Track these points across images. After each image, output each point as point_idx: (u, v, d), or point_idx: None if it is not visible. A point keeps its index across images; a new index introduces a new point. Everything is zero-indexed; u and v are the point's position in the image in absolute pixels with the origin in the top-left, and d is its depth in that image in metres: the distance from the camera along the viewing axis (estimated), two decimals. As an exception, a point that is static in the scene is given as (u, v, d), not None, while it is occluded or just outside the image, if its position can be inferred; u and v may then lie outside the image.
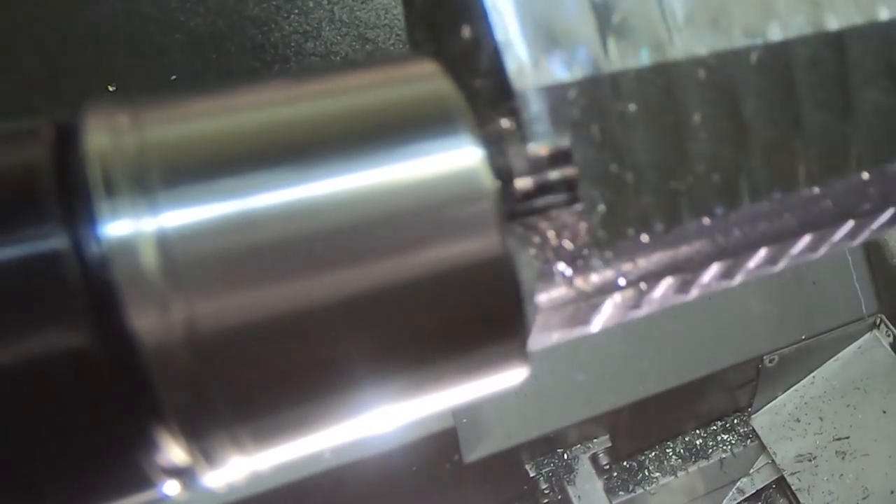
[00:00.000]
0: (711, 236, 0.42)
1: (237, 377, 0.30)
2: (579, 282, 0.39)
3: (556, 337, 0.43)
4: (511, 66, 0.36)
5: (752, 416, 2.35)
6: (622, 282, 0.41)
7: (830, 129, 0.43)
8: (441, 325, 0.33)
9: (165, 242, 0.29)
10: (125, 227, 0.29)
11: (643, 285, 0.42)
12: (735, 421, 2.36)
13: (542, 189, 0.37)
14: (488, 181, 0.33)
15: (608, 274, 0.40)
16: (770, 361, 2.18)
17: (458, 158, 0.33)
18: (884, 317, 2.28)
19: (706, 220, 0.40)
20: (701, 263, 0.43)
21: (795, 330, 2.18)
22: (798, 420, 2.29)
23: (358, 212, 0.32)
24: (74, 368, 0.28)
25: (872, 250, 2.21)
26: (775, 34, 0.41)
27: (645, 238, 0.39)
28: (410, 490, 1.95)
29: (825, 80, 0.42)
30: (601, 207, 0.38)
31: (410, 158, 0.33)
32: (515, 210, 0.37)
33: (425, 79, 0.35)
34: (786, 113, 0.42)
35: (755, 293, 2.11)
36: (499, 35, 0.36)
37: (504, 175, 0.36)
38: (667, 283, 0.43)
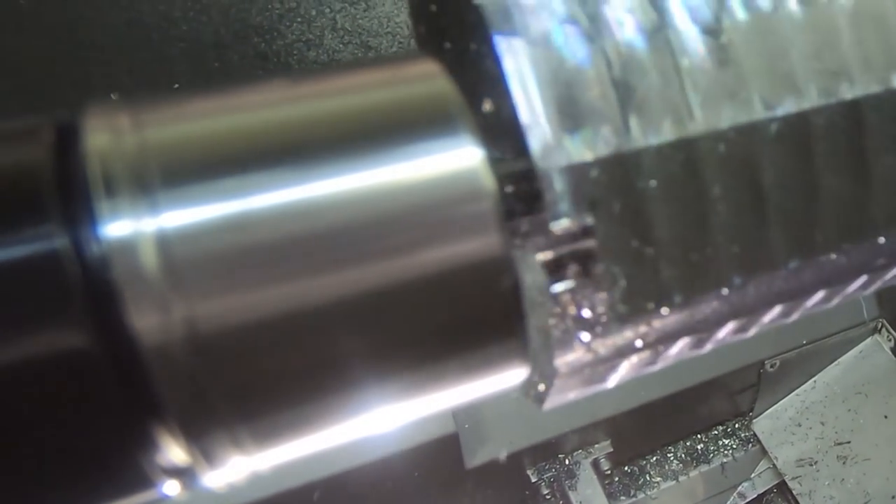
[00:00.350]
0: (728, 300, 0.42)
1: (237, 377, 0.30)
2: (598, 346, 0.39)
3: (572, 396, 0.44)
4: (535, 147, 0.36)
5: (754, 421, 2.35)
6: (639, 343, 0.41)
7: (847, 196, 0.43)
8: (441, 324, 0.33)
9: (165, 242, 0.29)
10: (125, 227, 0.29)
11: (660, 346, 0.42)
12: (736, 425, 2.36)
13: (561, 262, 0.37)
14: (488, 181, 0.33)
15: (626, 337, 0.40)
16: (771, 366, 2.18)
17: (458, 158, 0.33)
18: (885, 321, 2.28)
19: (724, 291, 0.41)
20: (717, 323, 0.43)
21: (796, 335, 2.18)
22: (799, 424, 2.29)
23: (357, 212, 0.32)
24: (74, 368, 0.28)
25: (873, 255, 2.21)
26: (793, 105, 0.41)
27: (665, 311, 0.39)
28: (412, 495, 1.95)
29: (842, 148, 0.43)
30: (622, 283, 0.38)
31: (411, 158, 0.33)
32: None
33: (425, 79, 0.35)
34: (804, 182, 0.42)
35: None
36: (523, 116, 0.36)
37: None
38: (683, 342, 0.43)
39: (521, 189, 0.37)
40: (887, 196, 0.44)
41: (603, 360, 0.40)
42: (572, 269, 0.38)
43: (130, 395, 0.29)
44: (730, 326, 0.45)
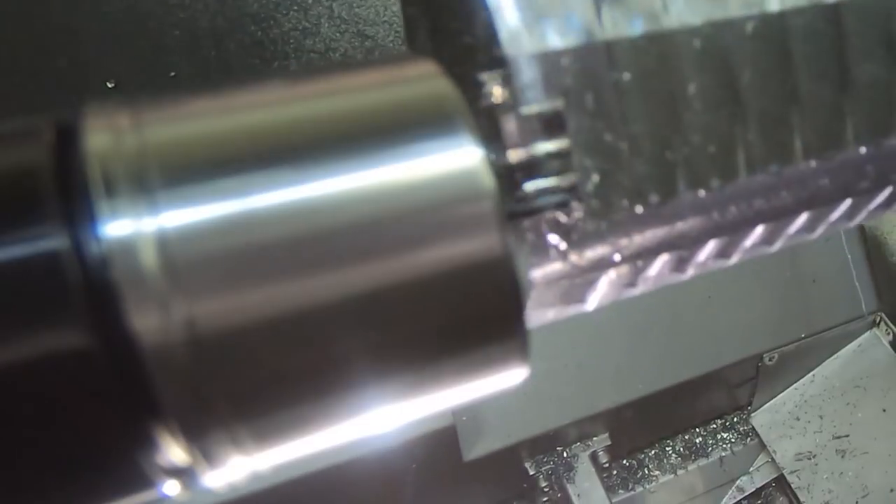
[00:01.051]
0: (707, 212, 0.41)
1: (237, 377, 0.30)
2: (574, 256, 0.39)
3: (551, 314, 0.43)
4: (503, 33, 0.36)
5: (752, 415, 2.35)
6: (617, 257, 0.40)
7: (827, 101, 0.42)
8: (441, 324, 0.33)
9: (165, 242, 0.29)
10: (125, 227, 0.29)
11: (639, 262, 0.42)
12: (735, 419, 2.36)
13: (536, 164, 0.37)
14: (488, 181, 0.33)
15: (603, 248, 0.39)
16: (770, 359, 2.18)
17: (458, 158, 0.33)
18: (883, 315, 2.28)
19: (702, 193, 0.40)
20: (697, 240, 0.43)
21: (795, 328, 2.18)
22: (798, 418, 2.29)
23: (357, 212, 0.32)
24: (74, 368, 0.28)
25: (872, 248, 2.21)
26: (771, 5, 0.41)
27: (639, 209, 0.39)
28: (410, 488, 1.95)
29: (822, 51, 0.42)
30: (595, 177, 0.37)
31: (410, 158, 0.33)
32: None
33: (425, 79, 0.35)
34: (782, 85, 0.41)
35: (755, 291, 2.11)
36: (491, 0, 0.36)
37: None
38: (662, 259, 0.43)
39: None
40: (869, 104, 0.43)
41: (580, 271, 0.40)
42: (546, 165, 0.37)
43: (130, 396, 0.29)
44: (710, 246, 0.44)
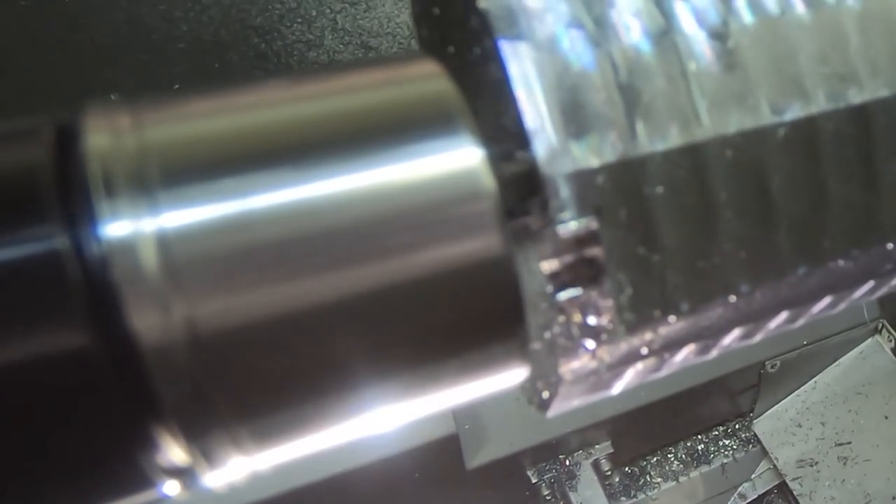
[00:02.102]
0: (734, 307, 0.42)
1: (237, 377, 0.30)
2: (603, 354, 0.39)
3: (576, 403, 0.44)
4: (540, 153, 0.36)
5: (754, 422, 2.35)
6: (645, 351, 0.41)
7: (856, 201, 0.43)
8: (441, 324, 0.33)
9: (165, 243, 0.29)
10: (125, 227, 0.29)
11: (665, 354, 0.42)
12: (737, 426, 2.36)
13: (566, 270, 0.37)
14: (488, 181, 0.33)
15: (632, 345, 0.40)
16: (772, 367, 2.18)
17: (458, 158, 0.33)
18: (885, 322, 2.28)
19: (732, 298, 0.40)
20: (723, 330, 0.43)
21: (797, 335, 2.18)
22: (800, 425, 2.29)
23: (357, 212, 0.32)
24: (75, 368, 0.28)
25: (874, 255, 2.21)
26: (801, 110, 0.41)
27: (672, 319, 0.39)
28: (412, 496, 1.95)
29: (850, 153, 0.42)
30: (628, 290, 0.38)
31: (411, 158, 0.33)
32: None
33: (425, 79, 0.35)
34: (812, 188, 0.41)
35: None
36: (529, 121, 0.36)
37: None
38: (688, 349, 0.43)
39: (522, 189, 0.37)
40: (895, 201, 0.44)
41: (608, 367, 0.40)
42: (578, 276, 0.37)
43: (130, 396, 0.29)
44: (735, 333, 0.45)
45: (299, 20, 2.21)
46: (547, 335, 0.39)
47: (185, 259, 0.29)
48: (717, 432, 2.35)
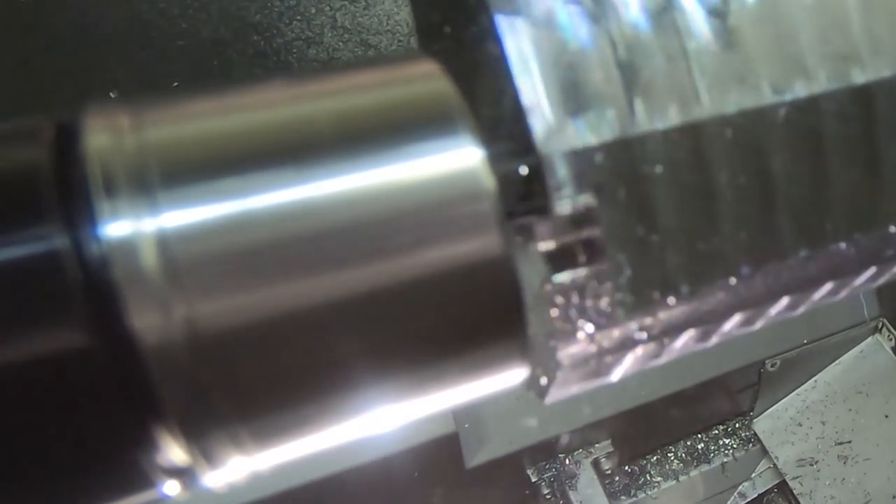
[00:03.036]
0: (735, 290, 0.41)
1: (237, 377, 0.30)
2: (601, 338, 0.39)
3: (575, 390, 0.43)
4: (537, 131, 0.36)
5: (754, 421, 2.35)
6: (644, 336, 0.40)
7: (858, 184, 0.42)
8: (441, 324, 0.33)
9: (166, 243, 0.29)
10: (125, 227, 0.29)
11: (665, 339, 0.42)
12: (737, 425, 2.36)
13: (564, 251, 0.37)
14: (488, 181, 0.33)
15: (630, 330, 0.40)
16: (772, 366, 2.18)
17: (457, 158, 0.33)
18: (886, 321, 2.28)
19: (733, 281, 0.40)
20: (723, 315, 0.43)
21: (797, 334, 2.18)
22: (800, 424, 2.29)
23: (357, 212, 0.32)
24: (74, 368, 0.28)
25: (874, 254, 2.21)
26: (802, 90, 0.41)
27: (672, 301, 0.39)
28: (412, 495, 1.95)
29: (853, 135, 0.42)
30: (627, 271, 0.37)
31: (410, 158, 0.33)
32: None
33: (425, 79, 0.35)
34: (813, 170, 0.41)
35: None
36: (525, 98, 0.36)
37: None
38: (688, 334, 0.43)
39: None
40: None
41: (607, 352, 0.40)
42: (576, 258, 0.37)
43: (130, 395, 0.29)
44: (736, 318, 0.44)
45: (298, 18, 2.21)
46: (545, 320, 0.38)
47: (185, 259, 0.29)
48: (717, 431, 2.35)
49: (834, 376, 2.31)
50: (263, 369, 0.31)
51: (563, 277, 0.37)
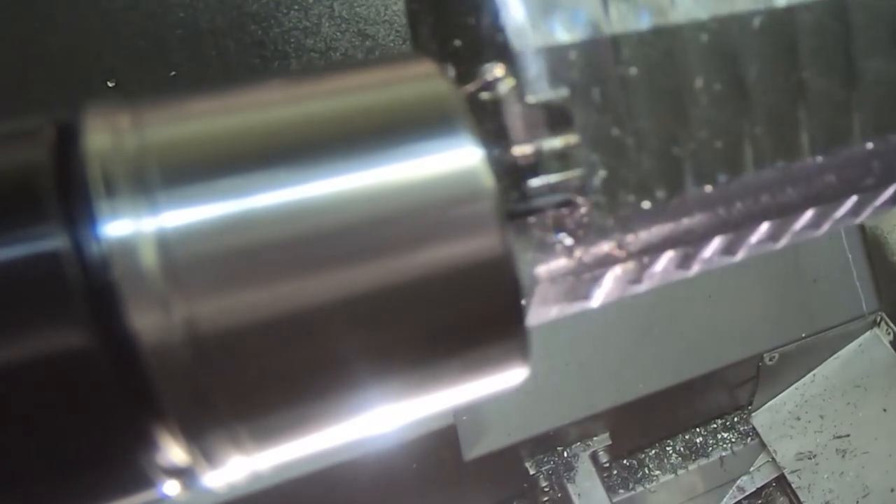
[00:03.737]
0: (713, 208, 0.41)
1: (237, 377, 0.30)
2: (579, 252, 0.38)
3: (555, 311, 0.43)
4: (510, 27, 0.35)
5: (753, 415, 2.35)
6: (622, 254, 0.40)
7: (834, 97, 0.42)
8: (441, 324, 0.33)
9: (165, 242, 0.29)
10: (125, 227, 0.29)
11: (644, 258, 0.42)
12: (735, 419, 2.36)
13: (541, 160, 0.36)
14: (488, 181, 0.33)
15: (608, 244, 0.39)
16: (770, 359, 2.18)
17: (457, 158, 0.33)
18: (884, 315, 2.28)
19: (708, 188, 0.40)
20: (702, 236, 0.43)
21: (796, 328, 2.18)
22: (798, 418, 2.29)
23: (357, 212, 0.31)
24: (75, 368, 0.28)
25: (873, 248, 2.21)
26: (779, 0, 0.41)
27: (647, 205, 0.38)
28: (410, 488, 1.95)
29: (829, 46, 0.42)
30: (601, 172, 0.37)
31: (410, 158, 0.33)
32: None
33: (424, 79, 0.35)
34: (789, 80, 0.41)
35: (755, 291, 2.11)
36: None
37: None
38: (668, 256, 0.43)
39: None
40: (875, 100, 0.43)
41: (586, 268, 0.39)
42: (550, 162, 0.37)
43: (130, 395, 0.29)
44: (716, 243, 0.44)
45: (296, 7, 2.20)
46: (521, 230, 0.38)
47: (184, 259, 0.29)
48: (715, 425, 2.35)
49: (832, 370, 2.32)
50: (263, 369, 0.31)
51: (538, 182, 0.37)
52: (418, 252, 0.32)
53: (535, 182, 0.37)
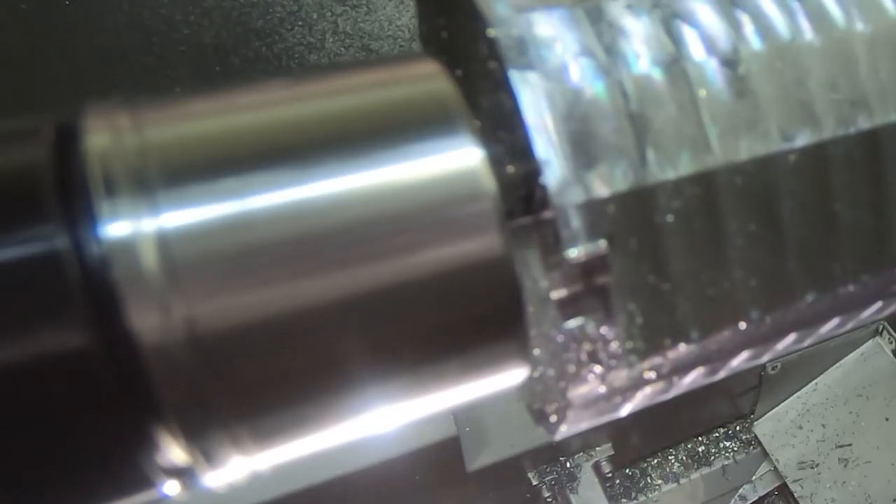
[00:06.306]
0: (744, 332, 0.41)
1: (237, 377, 0.30)
2: (612, 379, 0.39)
3: (584, 426, 0.44)
4: (551, 183, 0.36)
5: (755, 423, 2.35)
6: (653, 376, 0.40)
7: (866, 226, 0.42)
8: (441, 325, 0.33)
9: (166, 243, 0.29)
10: (125, 227, 0.29)
11: (674, 377, 0.42)
12: (737, 428, 2.36)
13: (576, 299, 0.37)
14: (488, 181, 0.33)
15: (641, 371, 0.40)
16: (772, 368, 2.18)
17: (458, 158, 0.33)
18: (886, 324, 2.28)
19: (742, 325, 0.40)
20: (731, 353, 0.43)
21: (798, 337, 2.17)
22: (800, 427, 2.29)
23: (358, 212, 0.32)
24: (74, 369, 0.28)
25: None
26: (811, 136, 0.41)
27: (682, 347, 0.39)
28: (413, 499, 1.95)
29: (860, 178, 0.42)
30: (638, 319, 0.38)
31: (410, 158, 0.33)
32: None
33: (425, 79, 0.35)
34: (822, 214, 0.41)
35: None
36: (540, 152, 0.36)
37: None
38: (697, 371, 0.43)
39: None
40: None
41: (617, 391, 0.40)
42: (587, 305, 0.37)
43: (130, 396, 0.29)
44: (744, 355, 0.44)
45: (300, 23, 2.21)
46: (556, 361, 0.39)
47: (185, 259, 0.29)
48: (717, 434, 2.35)
49: (835, 379, 2.31)
50: (263, 369, 0.31)
51: (574, 323, 0.37)
52: (418, 252, 0.32)
53: (571, 323, 0.37)
